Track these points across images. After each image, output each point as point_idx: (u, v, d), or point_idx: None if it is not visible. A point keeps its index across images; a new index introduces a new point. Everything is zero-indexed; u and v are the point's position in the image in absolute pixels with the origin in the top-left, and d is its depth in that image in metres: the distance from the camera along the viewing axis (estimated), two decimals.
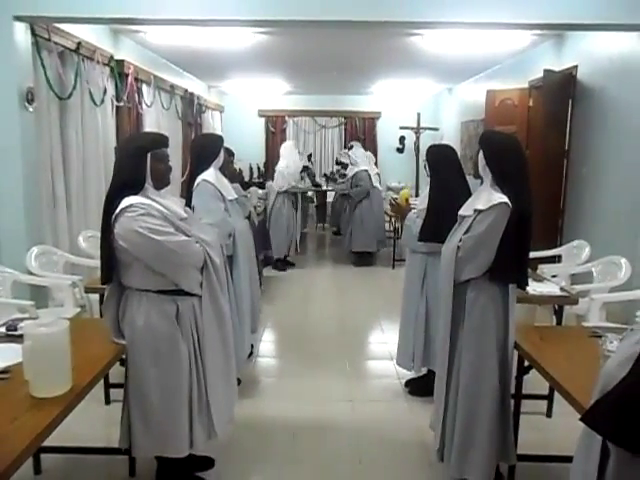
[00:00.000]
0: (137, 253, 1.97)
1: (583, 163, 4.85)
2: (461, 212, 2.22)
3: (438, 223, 2.86)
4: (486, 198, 2.07)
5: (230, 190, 3.01)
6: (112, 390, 3.03)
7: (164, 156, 2.09)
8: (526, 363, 2.31)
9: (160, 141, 2.10)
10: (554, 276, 3.63)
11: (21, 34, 3.56)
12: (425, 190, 3.18)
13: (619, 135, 4.32)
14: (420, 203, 3.17)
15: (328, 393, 3.34)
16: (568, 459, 2.43)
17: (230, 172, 3.23)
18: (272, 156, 9.81)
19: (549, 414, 3.02)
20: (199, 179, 2.85)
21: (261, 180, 8.65)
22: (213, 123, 9.04)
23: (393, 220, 7.09)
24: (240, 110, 10.27)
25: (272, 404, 3.17)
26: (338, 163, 8.88)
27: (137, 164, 2.00)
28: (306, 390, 3.37)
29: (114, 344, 2.07)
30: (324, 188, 8.73)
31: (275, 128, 10.46)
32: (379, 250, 6.95)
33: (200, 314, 2.14)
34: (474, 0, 3.55)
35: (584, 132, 4.87)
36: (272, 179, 6.70)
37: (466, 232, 2.11)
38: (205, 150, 2.96)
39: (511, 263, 2.06)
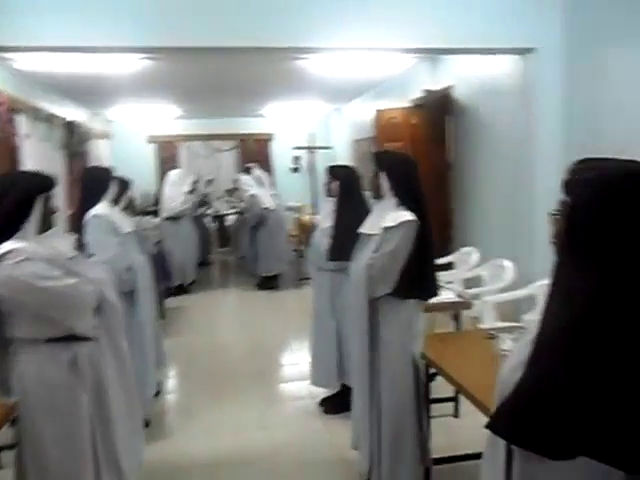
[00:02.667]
0: (22, 302, 1.81)
1: (463, 175, 5.22)
2: (365, 231, 2.30)
3: (346, 242, 2.94)
4: (393, 216, 2.16)
5: (126, 223, 2.88)
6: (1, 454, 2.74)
7: (51, 199, 1.96)
8: (431, 370, 2.42)
9: (49, 183, 1.95)
10: (449, 282, 3.85)
11: None
12: (326, 208, 3.25)
13: (494, 149, 4.71)
14: (323, 221, 3.23)
15: (243, 423, 3.26)
16: (478, 456, 2.59)
17: (127, 203, 3.08)
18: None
19: (456, 415, 3.18)
20: (89, 215, 2.69)
21: (155, 208, 8.36)
22: (99, 152, 8.59)
23: (297, 240, 7.16)
24: (129, 137, 9.88)
25: (185, 442, 3.04)
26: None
27: (22, 208, 1.85)
28: (220, 423, 3.27)
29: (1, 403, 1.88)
30: (221, 212, 8.62)
31: (167, 154, 10.17)
32: (280, 271, 6.96)
33: (98, 358, 2.00)
34: (353, 26, 3.69)
35: (464, 147, 5.26)
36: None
37: (375, 250, 2.18)
38: (94, 183, 2.81)
39: (416, 277, 2.17)
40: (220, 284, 7.32)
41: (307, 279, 6.89)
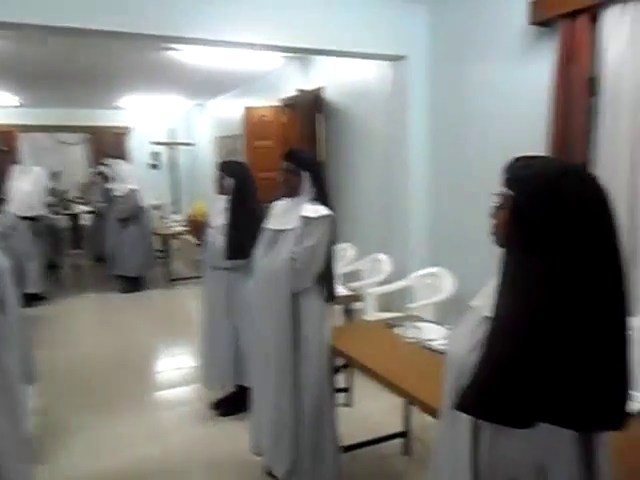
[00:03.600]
0: None
1: (337, 173, 5.42)
2: (275, 226, 2.27)
3: (243, 240, 2.88)
4: (311, 209, 2.17)
5: None
6: None
7: None
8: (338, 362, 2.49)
9: None
10: None
11: None
12: (218, 206, 3.15)
13: (366, 148, 4.96)
14: (215, 219, 3.12)
15: (130, 436, 3.03)
16: (374, 442, 2.72)
17: None
18: (5, 178, 8.43)
19: (349, 404, 3.29)
20: None
21: None
22: None
23: (163, 239, 6.83)
24: None
25: (67, 465, 2.74)
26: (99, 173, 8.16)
27: None
28: (104, 439, 3.00)
29: None
30: (76, 210, 7.89)
31: (5, 146, 9.02)
32: (146, 273, 6.59)
33: None
34: (222, 20, 3.59)
35: (335, 146, 5.45)
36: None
37: (296, 244, 2.17)
38: None
39: (333, 270, 2.21)
40: (79, 289, 6.69)
41: (177, 279, 6.63)
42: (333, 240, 2.25)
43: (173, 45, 4.90)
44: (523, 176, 1.09)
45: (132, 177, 6.42)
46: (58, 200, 7.25)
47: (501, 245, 1.14)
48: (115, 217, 6.26)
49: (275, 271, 2.21)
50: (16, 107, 8.64)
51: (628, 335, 1.03)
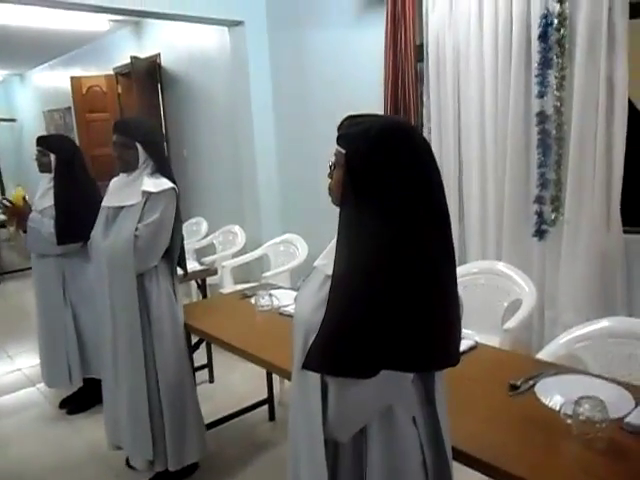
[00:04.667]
0: None
1: (183, 145, 5.19)
2: (116, 203, 2.09)
3: (75, 221, 2.63)
4: (151, 183, 2.01)
5: None
6: None
7: None
8: (194, 339, 2.41)
9: None
10: None
11: None
12: (42, 186, 2.82)
13: (209, 117, 4.80)
14: (40, 201, 2.80)
15: None
16: (240, 413, 2.71)
17: None
18: None
19: (212, 380, 3.24)
20: None
21: None
22: None
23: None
24: None
25: None
26: None
27: None
28: None
29: None
30: None
31: None
32: None
33: None
34: None
35: (178, 116, 5.20)
36: None
37: (139, 220, 2.00)
38: None
39: (180, 245, 2.09)
40: None
41: (9, 272, 5.92)
42: (178, 214, 2.13)
43: None
44: (353, 133, 1.11)
45: None
46: None
47: (337, 204, 1.16)
48: None
49: (117, 252, 2.03)
50: None
51: (455, 279, 1.10)
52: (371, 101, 3.18)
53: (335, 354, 1.05)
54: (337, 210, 1.14)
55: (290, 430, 1.28)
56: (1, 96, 9.04)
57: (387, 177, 1.04)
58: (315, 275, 1.24)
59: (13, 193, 7.58)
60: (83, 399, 2.98)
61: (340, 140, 1.14)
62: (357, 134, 1.09)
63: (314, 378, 1.11)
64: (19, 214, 2.80)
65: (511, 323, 2.19)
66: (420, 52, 2.98)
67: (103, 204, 2.18)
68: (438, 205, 1.08)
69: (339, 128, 1.17)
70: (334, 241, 1.14)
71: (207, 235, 4.44)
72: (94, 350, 2.80)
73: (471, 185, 2.88)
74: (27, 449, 2.66)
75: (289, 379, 1.77)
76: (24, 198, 2.67)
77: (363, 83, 3.38)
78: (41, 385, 3.17)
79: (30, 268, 5.84)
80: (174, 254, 2.14)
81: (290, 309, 2.18)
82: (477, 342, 1.83)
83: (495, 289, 2.47)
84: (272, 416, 2.81)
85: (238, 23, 4.05)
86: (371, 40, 3.25)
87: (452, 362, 1.11)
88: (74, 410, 2.97)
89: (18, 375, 3.56)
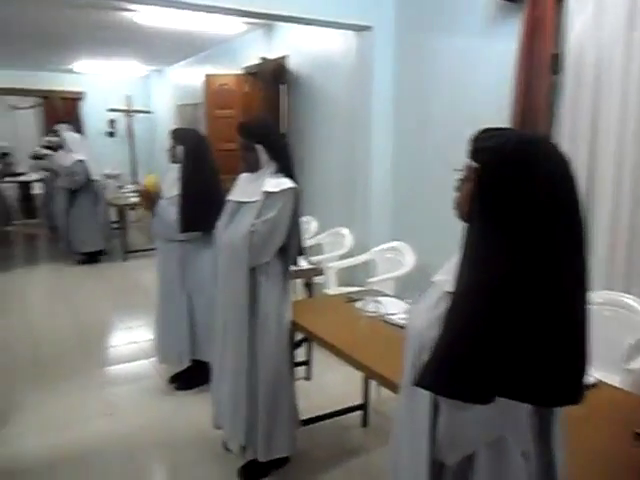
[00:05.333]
0: None
1: (301, 145, 5.33)
2: (238, 198, 2.20)
3: (198, 211, 2.80)
4: (273, 182, 2.10)
5: None
6: None
7: None
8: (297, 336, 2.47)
9: None
10: None
11: None
12: (171, 175, 3.03)
13: (329, 119, 4.88)
14: (169, 190, 3.01)
15: (84, 412, 2.95)
16: (333, 415, 2.73)
17: None
18: None
19: (308, 377, 3.29)
20: None
21: None
22: None
23: (122, 210, 6.61)
24: None
25: (18, 442, 2.64)
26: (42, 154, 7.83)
27: None
28: (56, 416, 2.90)
29: None
30: (28, 179, 7.55)
31: None
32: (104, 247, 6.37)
33: None
34: None
35: (298, 116, 5.35)
36: None
37: (257, 217, 2.09)
38: None
39: (297, 244, 2.15)
40: (31, 260, 6.43)
41: (134, 252, 6.46)
42: (297, 213, 2.18)
43: (128, 5, 4.66)
44: (488, 147, 1.07)
45: (80, 147, 6.13)
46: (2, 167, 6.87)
47: (464, 219, 1.12)
48: (62, 188, 6.00)
49: (234, 244, 2.14)
50: None
51: (587, 310, 1.02)
52: (498, 111, 3.05)
53: (450, 375, 1.01)
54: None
55: (392, 444, 1.26)
56: (141, 89, 9.85)
57: (522, 195, 0.98)
58: (433, 290, 1.21)
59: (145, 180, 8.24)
60: (190, 378, 3.16)
61: (472, 153, 1.10)
62: (491, 148, 1.05)
63: (424, 396, 1.09)
64: (151, 198, 3.03)
65: (637, 363, 1.99)
66: (556, 62, 2.81)
67: (229, 197, 2.29)
68: (577, 229, 1.00)
69: (472, 141, 1.13)
70: (456, 257, 1.11)
71: (316, 234, 4.52)
72: (204, 334, 2.97)
73: (602, 210, 2.66)
74: (136, 419, 2.88)
75: (389, 388, 1.76)
76: (155, 184, 2.89)
77: (490, 91, 3.25)
78: (154, 359, 3.41)
79: (152, 249, 6.31)
80: (289, 252, 2.20)
81: (396, 318, 2.16)
82: (598, 380, 1.69)
83: (620, 323, 2.27)
84: (365, 422, 2.80)
85: (366, 28, 4.08)
86: (502, 48, 3.12)
87: (576, 400, 1.03)
88: (182, 387, 3.17)
89: (134, 347, 3.87)
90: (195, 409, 2.91)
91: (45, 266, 6.14)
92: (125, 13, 5.04)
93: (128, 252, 6.39)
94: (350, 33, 4.30)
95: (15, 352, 3.74)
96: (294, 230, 2.18)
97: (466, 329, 1.00)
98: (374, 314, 2.24)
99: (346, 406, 2.81)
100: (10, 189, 7.81)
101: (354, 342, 2.04)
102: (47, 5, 4.76)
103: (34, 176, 7.80)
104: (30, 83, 8.88)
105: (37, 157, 7.33)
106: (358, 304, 2.38)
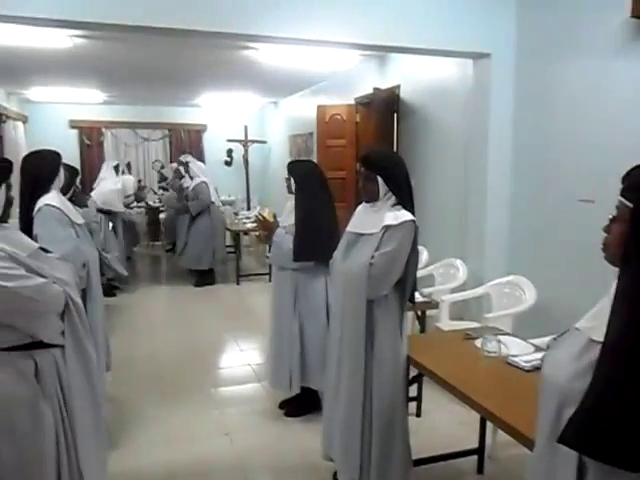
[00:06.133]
0: None
1: (412, 174, 5.27)
2: (357, 230, 2.21)
3: (311, 241, 2.87)
4: (392, 215, 2.10)
5: (77, 214, 2.60)
6: None
7: (11, 187, 1.72)
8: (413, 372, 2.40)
9: (10, 167, 1.72)
10: None
11: None
12: (288, 205, 3.14)
13: (441, 148, 4.80)
14: (285, 219, 3.11)
15: (199, 430, 3.08)
16: (446, 457, 2.60)
17: (76, 194, 2.79)
18: (89, 171, 8.95)
19: (419, 414, 3.19)
20: (40, 204, 2.40)
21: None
22: (16, 135, 7.89)
23: (237, 235, 6.95)
24: (48, 120, 9.14)
25: (138, 453, 2.81)
26: (163, 179, 8.52)
27: None
28: (174, 431, 3.06)
29: None
30: (155, 205, 8.24)
31: (91, 140, 9.53)
32: (216, 267, 6.70)
33: (64, 366, 1.78)
34: (309, 18, 3.58)
35: (410, 145, 5.32)
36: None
37: (376, 249, 2.10)
38: (42, 170, 2.50)
39: (414, 277, 2.13)
40: (154, 280, 6.94)
41: (247, 275, 6.74)
42: (415, 246, 2.15)
43: (250, 44, 4.95)
44: None
45: (203, 173, 6.59)
46: (136, 197, 7.54)
47: (614, 262, 1.03)
48: (188, 211, 6.44)
49: (352, 276, 2.13)
50: (102, 104, 9.10)
51: None
52: (631, 141, 2.82)
53: (603, 435, 0.92)
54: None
55: None
56: (257, 120, 10.38)
57: None
58: (575, 337, 1.11)
59: (258, 207, 8.63)
60: (300, 405, 3.19)
61: (626, 192, 1.01)
62: None
63: (569, 455, 1.00)
64: (268, 228, 3.15)
65: None
66: None
67: (347, 228, 2.30)
68: None
69: (625, 178, 1.04)
70: (603, 302, 1.02)
71: (427, 265, 4.42)
72: (315, 362, 2.99)
73: None
74: (249, 441, 2.95)
75: (509, 434, 1.65)
76: (274, 215, 3.02)
77: (622, 120, 3.01)
78: (265, 382, 3.49)
79: (263, 274, 6.57)
80: (407, 285, 2.16)
81: (520, 360, 2.03)
82: None
83: None
84: (480, 469, 2.63)
85: (484, 55, 3.98)
86: (638, 71, 2.89)
87: None
88: (291, 413, 3.20)
89: (247, 369, 3.99)
90: (304, 436, 2.92)
91: (165, 287, 6.58)
92: (247, 51, 5.36)
93: (241, 275, 6.67)
94: (466, 61, 4.23)
95: (139, 368, 4.01)
96: (411, 263, 2.14)
97: (624, 384, 0.91)
98: (495, 354, 2.12)
99: (459, 449, 2.67)
100: (140, 214, 8.51)
101: (473, 382, 1.94)
102: (178, 48, 5.19)
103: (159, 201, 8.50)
104: (160, 117, 9.73)
105: (163, 179, 8.00)
106: (477, 342, 2.28)
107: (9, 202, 1.74)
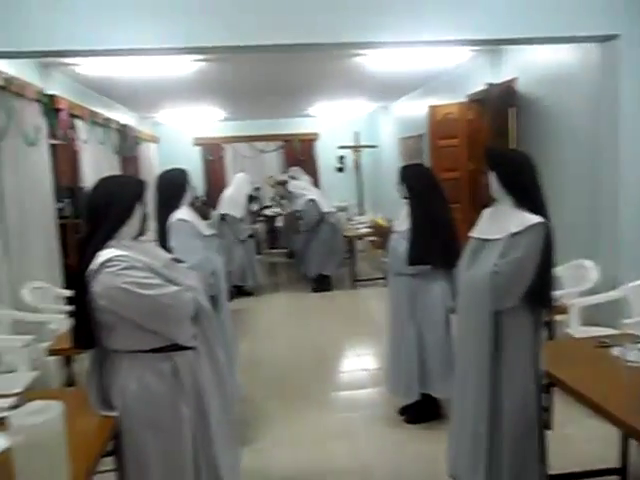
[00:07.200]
0: (124, 312, 1.74)
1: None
2: (482, 235, 2.11)
3: (426, 246, 2.83)
4: (518, 220, 1.98)
5: (204, 226, 2.81)
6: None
7: (146, 205, 1.90)
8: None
9: (146, 187, 1.91)
10: None
11: None
12: (403, 210, 3.12)
13: (567, 142, 4.48)
14: (400, 224, 3.09)
15: (322, 432, 3.15)
16: (584, 475, 2.41)
17: (199, 208, 3.02)
18: (213, 185, 9.58)
19: (549, 426, 2.98)
20: (173, 218, 2.63)
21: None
22: (148, 155, 8.67)
23: (351, 240, 7.03)
24: (175, 140, 9.95)
25: (267, 451, 2.94)
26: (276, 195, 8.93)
27: (127, 214, 1.81)
28: (299, 431, 3.16)
29: (103, 417, 1.81)
30: (271, 213, 8.60)
31: (213, 156, 10.20)
32: (335, 272, 6.82)
33: (198, 368, 1.92)
34: (416, 19, 3.53)
35: (530, 141, 5.02)
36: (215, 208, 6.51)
37: (501, 256, 1.99)
38: (174, 187, 2.74)
39: (547, 284, 1.99)
40: (273, 285, 7.22)
41: (362, 280, 6.78)
42: (549, 251, 1.98)
43: (360, 51, 5.00)
44: None
45: (308, 189, 6.74)
46: (256, 207, 7.94)
47: None
48: (299, 229, 6.65)
49: (475, 286, 2.02)
50: (221, 120, 9.70)
51: None
52: None
53: None
54: None
55: None
56: (368, 125, 10.43)
57: None
58: None
59: (371, 212, 8.67)
60: (420, 412, 3.14)
61: None
62: None
63: None
64: (382, 233, 3.15)
65: None
66: None
67: (472, 234, 2.19)
68: None
69: None
70: None
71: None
72: (435, 369, 2.93)
73: None
74: (368, 446, 2.97)
75: None
76: (388, 221, 3.03)
77: None
78: (383, 388, 3.48)
79: (378, 279, 6.57)
80: (541, 294, 1.99)
81: None
82: None
83: None
84: None
85: (612, 37, 3.66)
86: None
87: None
88: (410, 420, 3.17)
89: (365, 374, 4.01)
90: (425, 446, 2.86)
91: (285, 292, 6.82)
92: (356, 58, 5.42)
93: (356, 281, 6.73)
94: (590, 45, 3.91)
95: (263, 371, 4.19)
96: (545, 270, 1.98)
97: None
98: (638, 364, 1.93)
99: (597, 467, 2.46)
100: (257, 223, 8.94)
101: (614, 396, 1.78)
102: (291, 62, 5.40)
103: (278, 211, 8.88)
104: (274, 129, 10.15)
105: (280, 184, 8.33)
106: (614, 350, 2.09)
107: (145, 218, 1.91)
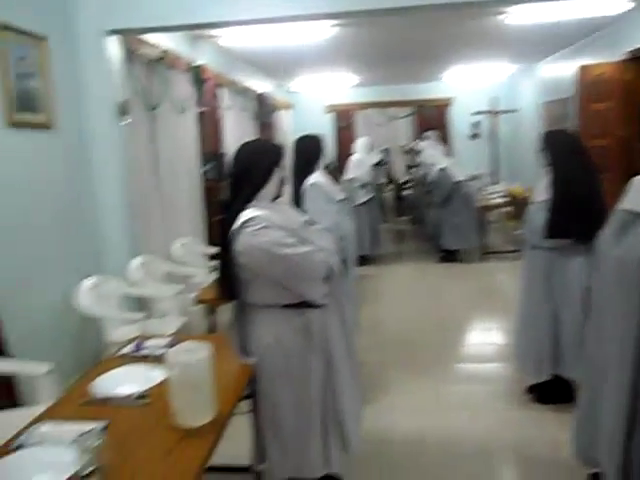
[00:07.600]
0: (260, 270, 1.88)
1: None
2: (632, 207, 1.88)
3: (567, 218, 2.64)
4: None
5: (337, 191, 2.89)
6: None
7: (284, 169, 2.01)
8: None
9: (284, 153, 2.02)
10: None
11: (114, 48, 3.59)
12: (542, 180, 2.93)
13: None
14: (539, 194, 2.91)
15: (445, 400, 3.15)
16: None
17: (332, 173, 3.12)
18: (343, 151, 9.70)
19: None
20: (308, 182, 2.74)
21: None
22: (283, 122, 9.00)
23: (482, 210, 6.74)
24: (308, 107, 10.21)
25: (388, 414, 3.02)
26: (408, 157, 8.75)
27: (266, 178, 1.94)
28: (420, 398, 3.19)
29: (242, 363, 1.98)
30: (400, 181, 8.53)
31: (344, 122, 10.30)
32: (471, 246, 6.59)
33: (328, 325, 2.02)
34: None
35: None
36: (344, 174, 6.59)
37: None
38: (310, 152, 2.85)
39: None
40: (399, 256, 7.21)
41: (492, 253, 6.52)
42: None
43: (500, 8, 4.69)
44: None
45: (439, 157, 6.51)
46: (384, 173, 7.90)
47: None
48: (433, 201, 6.48)
49: (625, 267, 1.78)
50: (353, 87, 9.72)
51: None
52: None
53: None
54: None
55: None
56: (507, 89, 9.79)
57: None
58: None
59: (505, 182, 8.22)
60: (551, 392, 3.00)
61: None
62: None
63: None
64: (518, 204, 2.99)
65: None
66: None
67: (620, 206, 1.97)
68: None
69: None
70: None
71: None
72: (569, 350, 2.77)
73: None
74: (491, 422, 2.90)
75: None
76: (525, 191, 2.85)
77: None
78: (508, 364, 3.37)
79: (510, 251, 6.30)
80: None
81: None
82: None
83: None
84: None
85: None
86: None
87: None
88: (540, 400, 3.03)
89: (491, 348, 3.91)
90: (554, 429, 2.73)
91: (410, 262, 6.77)
92: (496, 17, 5.09)
93: (486, 253, 6.49)
94: None
95: (385, 336, 4.26)
96: None
97: None
98: None
99: None
100: (386, 191, 8.91)
101: None
102: (426, 24, 5.22)
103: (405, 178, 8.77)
104: (406, 95, 9.96)
105: (409, 152, 8.19)
106: None
107: (282, 182, 2.02)
